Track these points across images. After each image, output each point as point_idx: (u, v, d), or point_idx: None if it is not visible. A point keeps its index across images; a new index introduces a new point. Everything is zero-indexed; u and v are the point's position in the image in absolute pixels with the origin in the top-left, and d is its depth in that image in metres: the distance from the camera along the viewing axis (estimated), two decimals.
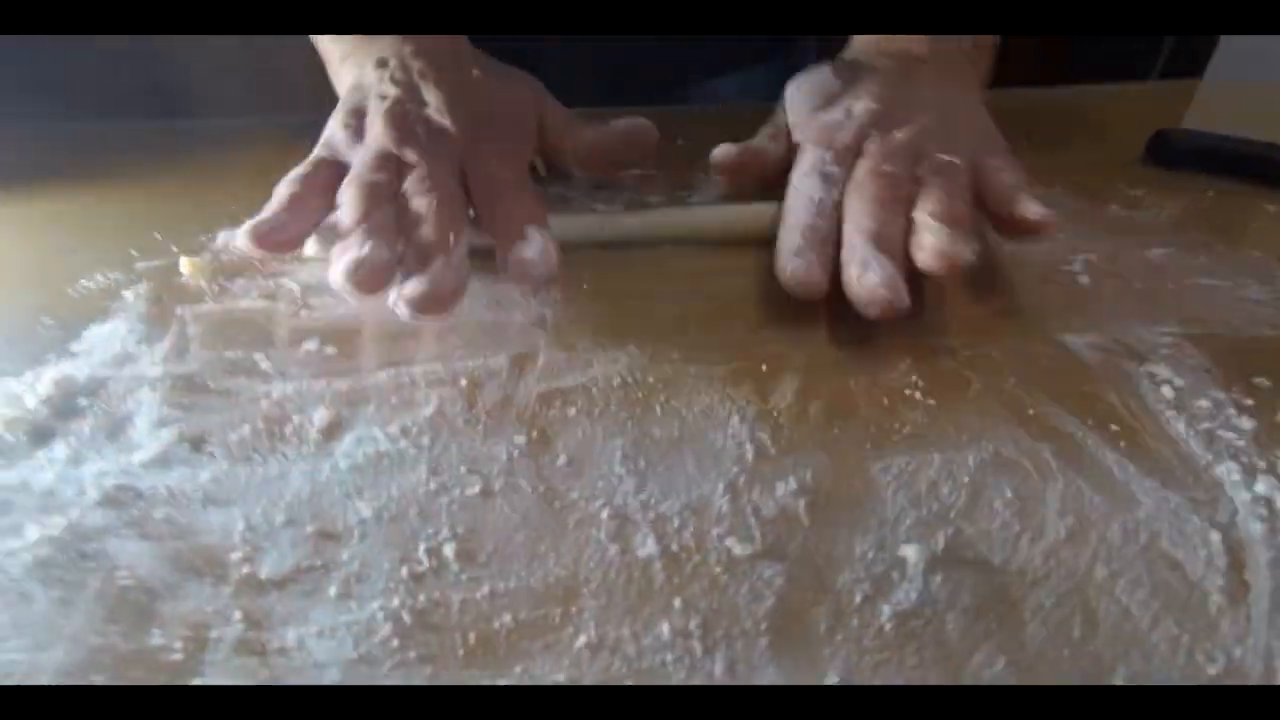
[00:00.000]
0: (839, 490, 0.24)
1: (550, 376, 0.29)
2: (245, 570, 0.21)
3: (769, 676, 0.19)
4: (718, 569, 0.22)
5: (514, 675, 0.19)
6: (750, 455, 0.25)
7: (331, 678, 0.19)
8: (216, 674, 0.19)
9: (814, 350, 0.30)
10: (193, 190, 0.41)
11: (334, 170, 0.32)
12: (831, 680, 0.19)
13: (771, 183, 0.37)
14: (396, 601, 0.20)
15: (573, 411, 0.27)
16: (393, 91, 0.34)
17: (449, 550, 0.22)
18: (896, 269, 0.29)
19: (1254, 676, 0.19)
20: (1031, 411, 0.27)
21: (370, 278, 0.28)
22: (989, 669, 0.19)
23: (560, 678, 0.19)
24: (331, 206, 0.31)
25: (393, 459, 0.25)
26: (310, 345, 0.30)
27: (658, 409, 0.27)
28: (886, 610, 0.21)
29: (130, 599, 0.20)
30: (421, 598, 0.21)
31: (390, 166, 0.32)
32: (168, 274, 0.34)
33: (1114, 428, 0.27)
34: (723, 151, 0.37)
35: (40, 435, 0.25)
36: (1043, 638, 0.20)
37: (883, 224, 0.30)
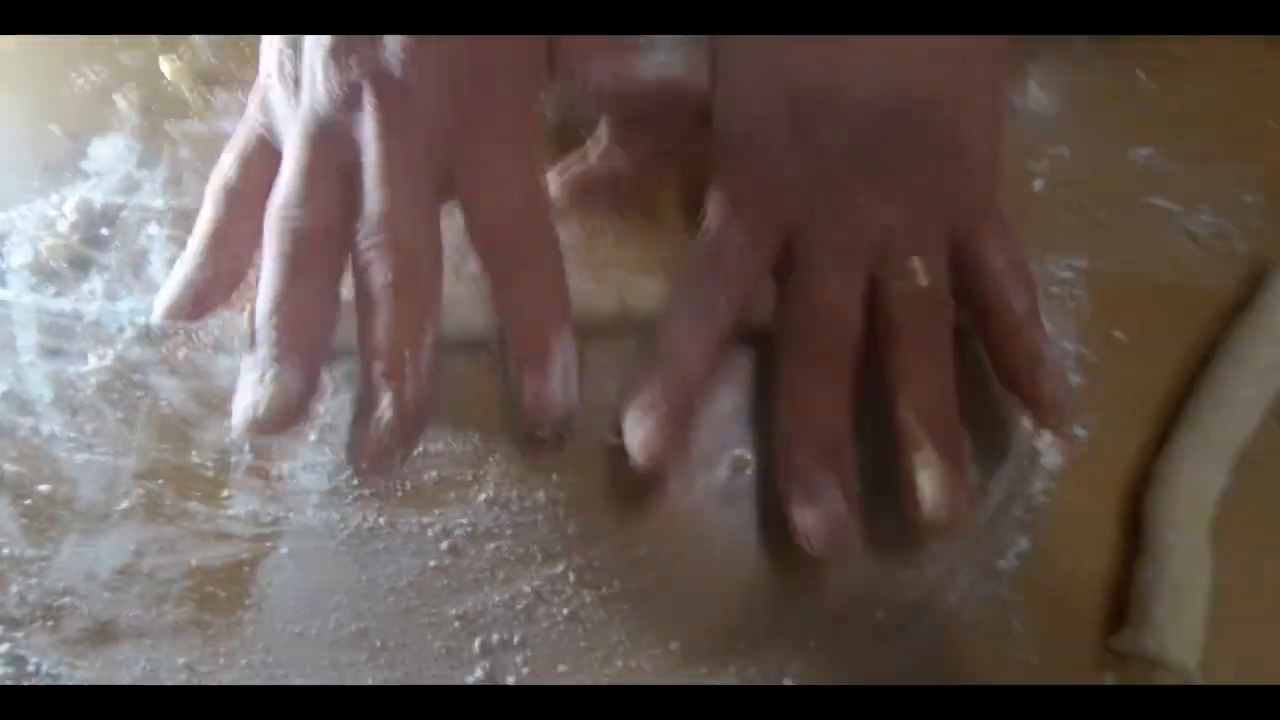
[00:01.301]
0: (707, 399, 0.31)
1: None
2: None
3: (603, 542, 0.28)
4: (591, 456, 0.30)
5: (433, 517, 0.28)
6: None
7: (312, 503, 0.28)
8: (238, 489, 0.28)
9: None
10: None
11: (272, 164, 0.25)
12: (643, 550, 0.28)
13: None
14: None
15: None
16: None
17: None
18: (847, 502, 0.24)
19: (927, 585, 0.28)
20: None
21: (274, 422, 0.23)
22: (755, 554, 0.28)
23: (464, 522, 0.28)
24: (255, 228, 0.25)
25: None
26: None
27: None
28: (702, 503, 0.29)
29: (172, 424, 0.29)
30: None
31: (331, 172, 0.24)
32: (151, 74, 0.36)
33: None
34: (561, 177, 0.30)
35: (80, 264, 0.31)
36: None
37: (822, 417, 0.25)
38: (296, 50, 0.25)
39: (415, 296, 0.23)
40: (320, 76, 0.24)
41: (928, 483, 0.24)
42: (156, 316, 0.25)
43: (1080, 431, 0.31)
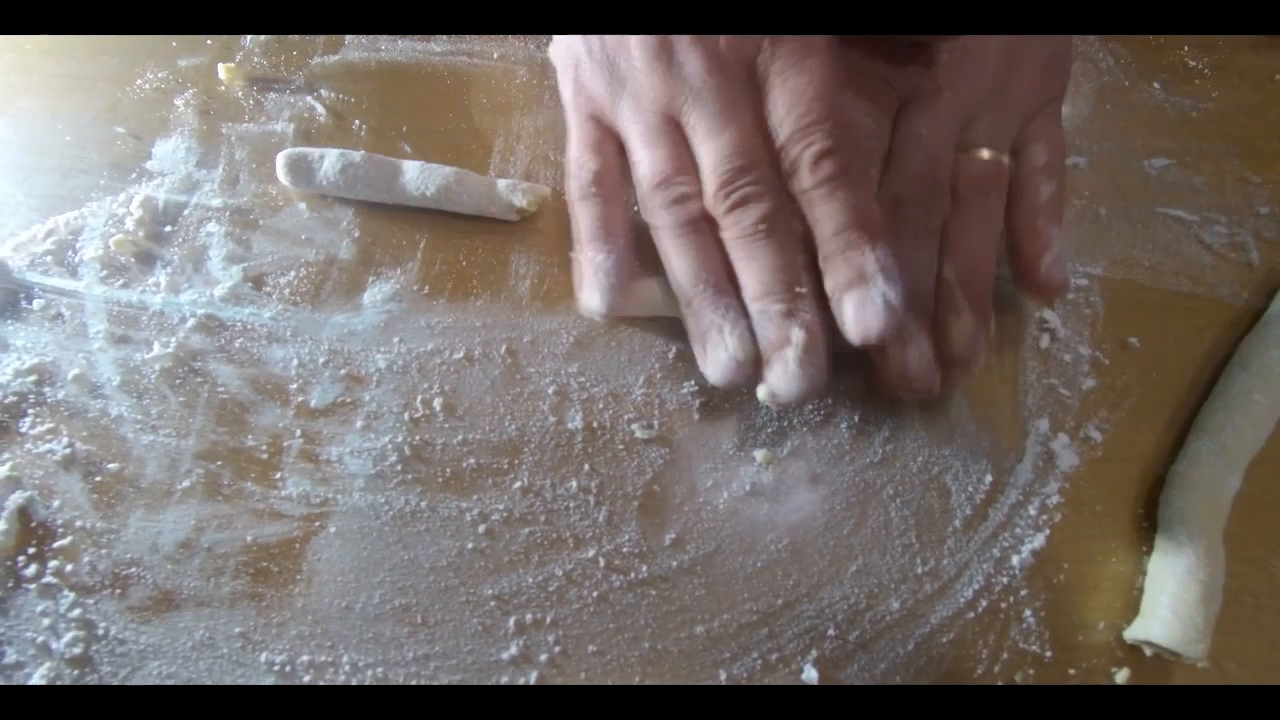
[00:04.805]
0: (729, 395, 0.32)
1: (540, 248, 0.35)
2: (300, 399, 0.31)
3: (630, 529, 0.30)
4: (621, 446, 0.31)
5: (471, 501, 0.30)
6: (671, 355, 0.33)
7: (359, 486, 0.30)
8: (290, 472, 0.30)
9: None
10: None
11: (617, 143, 0.30)
12: (668, 538, 0.29)
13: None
14: (400, 438, 0.31)
15: (546, 286, 0.34)
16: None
17: (438, 403, 0.31)
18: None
19: (944, 578, 0.29)
20: None
21: (752, 363, 0.28)
22: (775, 545, 0.30)
23: (500, 507, 0.30)
24: (626, 200, 0.30)
25: (401, 318, 0.33)
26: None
27: None
28: (724, 496, 0.30)
29: (229, 409, 0.31)
30: (417, 438, 0.31)
31: (676, 135, 0.28)
32: (209, 78, 0.38)
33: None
34: None
35: (145, 259, 0.33)
36: (820, 530, 0.30)
37: (919, 280, 0.29)
38: (600, 38, 0.29)
39: (789, 237, 0.28)
40: (643, 72, 0.28)
41: (955, 327, 0.29)
42: (594, 311, 0.30)
43: (1095, 434, 0.32)
